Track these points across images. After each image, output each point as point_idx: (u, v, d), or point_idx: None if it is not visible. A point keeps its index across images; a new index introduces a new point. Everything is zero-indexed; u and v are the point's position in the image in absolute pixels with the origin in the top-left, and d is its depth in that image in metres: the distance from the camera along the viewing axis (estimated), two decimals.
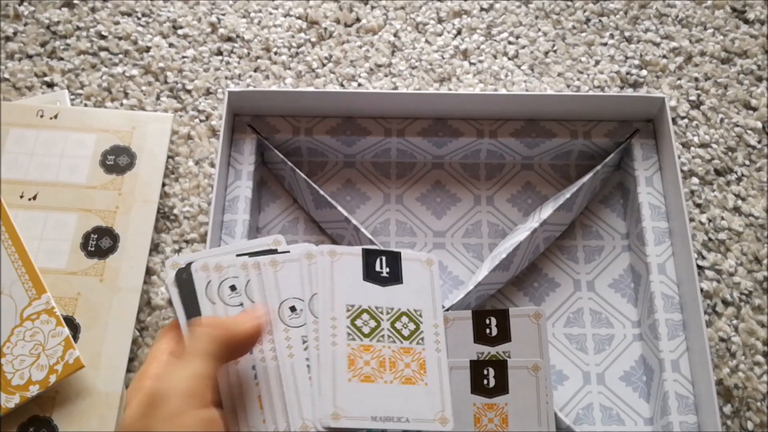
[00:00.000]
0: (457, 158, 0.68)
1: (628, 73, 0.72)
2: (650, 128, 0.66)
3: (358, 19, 0.75)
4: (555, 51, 0.74)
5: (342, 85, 0.72)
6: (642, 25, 0.75)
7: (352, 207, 0.66)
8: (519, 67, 0.73)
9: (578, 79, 0.72)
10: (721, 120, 0.70)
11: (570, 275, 0.64)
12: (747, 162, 0.68)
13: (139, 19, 0.75)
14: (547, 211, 0.62)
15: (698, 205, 0.66)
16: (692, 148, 0.68)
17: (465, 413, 0.51)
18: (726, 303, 0.62)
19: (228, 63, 0.72)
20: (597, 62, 0.73)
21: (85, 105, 0.70)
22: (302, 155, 0.68)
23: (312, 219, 0.66)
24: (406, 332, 0.43)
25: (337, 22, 0.75)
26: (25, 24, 0.74)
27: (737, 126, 0.69)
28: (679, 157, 0.68)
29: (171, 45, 0.73)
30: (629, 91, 0.71)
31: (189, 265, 0.44)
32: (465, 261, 0.64)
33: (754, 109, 0.70)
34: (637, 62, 0.73)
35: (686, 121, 0.70)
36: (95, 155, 0.66)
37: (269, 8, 0.76)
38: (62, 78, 0.71)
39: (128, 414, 0.37)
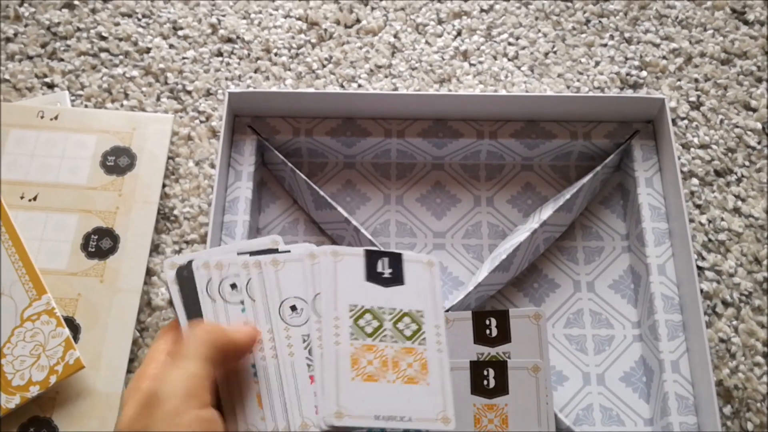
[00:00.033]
0: (457, 159, 0.68)
1: (628, 74, 0.72)
2: (650, 129, 0.66)
3: (358, 20, 0.75)
4: (555, 52, 0.74)
5: (342, 86, 0.72)
6: (642, 26, 0.75)
7: (352, 208, 0.66)
8: (519, 68, 0.73)
9: (578, 80, 0.72)
10: (721, 121, 0.70)
11: (570, 276, 0.64)
12: (747, 163, 0.68)
13: (139, 20, 0.75)
14: (547, 212, 0.62)
15: (698, 206, 0.66)
16: (692, 149, 0.68)
17: (465, 414, 0.52)
18: (726, 304, 0.62)
19: (228, 64, 0.72)
20: (597, 63, 0.73)
21: (86, 106, 0.70)
22: (302, 156, 0.68)
23: (312, 220, 0.66)
24: (408, 332, 0.43)
25: (338, 23, 0.75)
26: (26, 25, 0.74)
27: (737, 127, 0.69)
28: (679, 158, 0.68)
29: (171, 46, 0.73)
30: (629, 92, 0.71)
31: (190, 262, 0.44)
32: (465, 262, 0.64)
33: (754, 110, 0.70)
34: (637, 63, 0.73)
35: (686, 122, 0.70)
36: (95, 156, 0.66)
37: (269, 9, 0.76)
38: (63, 79, 0.71)
39: (126, 414, 0.37)
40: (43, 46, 0.73)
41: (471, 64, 0.73)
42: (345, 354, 0.42)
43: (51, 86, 0.71)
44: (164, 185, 0.66)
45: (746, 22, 0.75)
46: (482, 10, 0.76)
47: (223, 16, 0.75)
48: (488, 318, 0.55)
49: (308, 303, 0.43)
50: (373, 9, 0.76)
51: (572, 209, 0.64)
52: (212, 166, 0.67)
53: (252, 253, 0.44)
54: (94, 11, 0.75)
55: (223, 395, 0.41)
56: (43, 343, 0.56)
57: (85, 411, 0.57)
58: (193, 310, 0.42)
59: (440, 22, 0.76)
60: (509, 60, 0.73)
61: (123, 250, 0.62)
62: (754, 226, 0.65)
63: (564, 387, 0.60)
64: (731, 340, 0.61)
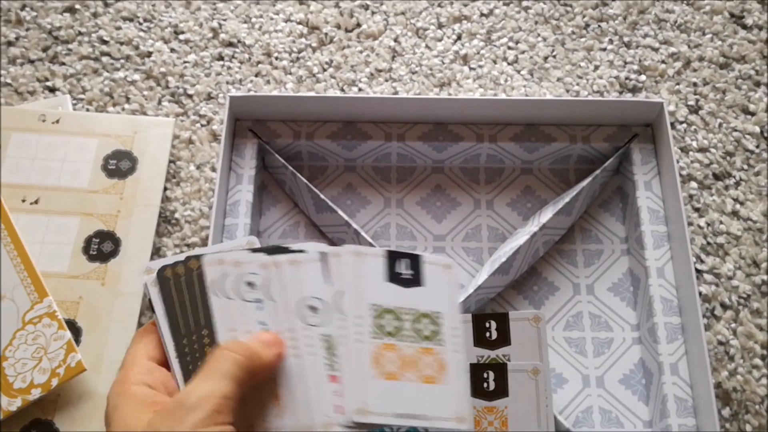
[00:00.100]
0: (457, 162, 0.68)
1: (627, 78, 0.72)
2: (649, 133, 0.67)
3: (358, 25, 0.76)
4: (554, 56, 0.74)
5: (342, 89, 0.72)
6: (641, 30, 0.75)
7: (353, 211, 0.67)
8: (518, 72, 0.73)
9: (577, 84, 0.72)
10: (720, 125, 0.70)
11: (569, 279, 0.64)
12: (745, 166, 0.68)
13: (140, 24, 0.75)
14: (546, 215, 0.62)
15: (697, 209, 0.66)
16: (691, 153, 0.69)
17: None
18: (724, 306, 0.62)
19: (229, 68, 0.73)
20: (596, 67, 0.73)
21: (87, 110, 0.70)
22: (303, 159, 0.68)
23: (313, 223, 0.66)
24: (426, 333, 0.44)
25: (338, 27, 0.76)
26: (27, 29, 0.74)
27: (735, 131, 0.70)
28: (678, 162, 0.68)
29: (172, 50, 0.74)
30: (628, 96, 0.72)
31: (176, 263, 0.44)
32: (465, 265, 0.65)
33: (753, 114, 0.71)
34: (636, 67, 0.73)
35: (685, 125, 0.70)
36: (97, 160, 0.66)
37: (270, 13, 0.76)
38: (64, 83, 0.72)
39: (138, 419, 0.37)
40: (45, 49, 0.73)
41: (471, 68, 0.73)
42: (367, 352, 0.42)
43: (52, 90, 0.71)
44: (165, 188, 0.67)
45: (745, 27, 0.76)
46: (482, 15, 0.76)
47: (224, 20, 0.75)
48: (488, 321, 0.55)
49: (327, 302, 0.43)
50: (373, 13, 0.76)
51: (572, 212, 0.64)
52: (213, 169, 0.68)
53: (269, 252, 0.44)
54: (95, 15, 0.75)
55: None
56: (44, 345, 0.57)
57: (87, 414, 0.57)
58: (173, 314, 0.42)
59: (440, 26, 0.76)
60: (509, 64, 0.74)
61: (124, 253, 0.63)
62: (752, 230, 0.65)
63: (563, 389, 0.60)
64: (730, 342, 0.61)
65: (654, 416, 0.58)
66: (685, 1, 0.77)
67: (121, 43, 0.74)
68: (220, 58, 0.73)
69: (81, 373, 0.56)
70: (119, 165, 0.66)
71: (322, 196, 0.62)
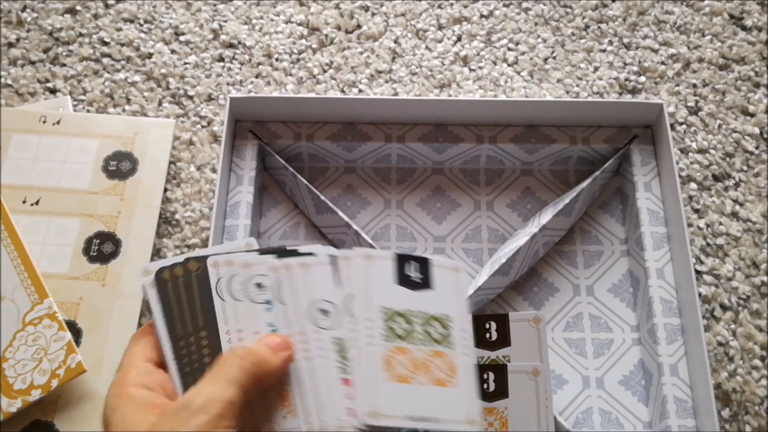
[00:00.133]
0: (457, 164, 0.69)
1: (626, 80, 0.72)
2: (649, 134, 0.67)
3: (358, 26, 0.76)
4: (554, 57, 0.74)
5: (343, 91, 0.72)
6: (640, 31, 0.75)
7: (353, 212, 0.67)
8: (518, 73, 0.73)
9: (577, 86, 0.72)
10: (719, 126, 0.70)
11: (569, 280, 0.64)
12: (745, 167, 0.68)
13: (141, 25, 0.75)
14: (546, 216, 0.62)
15: (696, 211, 0.66)
16: (690, 154, 0.69)
17: None
18: (724, 307, 0.62)
19: (229, 69, 0.73)
20: (596, 68, 0.73)
21: (88, 111, 0.70)
22: (303, 161, 0.68)
23: (313, 224, 0.66)
24: (436, 336, 0.44)
25: (338, 28, 0.76)
26: (28, 30, 0.74)
27: (735, 132, 0.70)
28: (678, 163, 0.68)
29: (173, 51, 0.74)
30: (628, 98, 0.72)
31: (174, 265, 0.43)
32: (465, 266, 0.65)
33: (752, 115, 0.71)
34: (635, 68, 0.73)
35: (684, 127, 0.70)
36: (97, 161, 0.66)
37: (270, 15, 0.76)
38: (65, 84, 0.72)
39: (142, 420, 0.37)
40: (46, 51, 0.73)
41: (471, 70, 0.73)
42: (378, 355, 0.42)
43: (53, 91, 0.71)
44: (166, 190, 0.67)
45: (744, 28, 0.76)
46: (482, 16, 0.77)
47: (225, 21, 0.75)
48: (488, 322, 0.55)
49: (338, 305, 0.43)
50: (373, 15, 0.77)
51: (571, 213, 0.64)
52: (214, 170, 0.68)
53: (280, 255, 0.44)
54: (96, 17, 0.75)
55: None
56: (44, 346, 0.57)
57: (87, 415, 0.57)
58: (170, 316, 0.42)
59: (440, 27, 0.76)
60: (509, 65, 0.74)
61: (125, 254, 0.63)
62: (752, 231, 0.66)
63: (563, 390, 0.60)
64: (729, 343, 0.61)
65: (654, 417, 0.58)
66: (684, 3, 0.77)
67: (122, 45, 0.74)
68: (221, 59, 0.73)
69: (81, 375, 0.56)
70: (120, 166, 0.66)
71: (322, 198, 0.62)
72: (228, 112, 0.64)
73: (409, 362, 0.43)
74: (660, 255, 0.62)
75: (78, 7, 0.76)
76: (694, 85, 0.72)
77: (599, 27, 0.76)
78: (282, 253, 0.44)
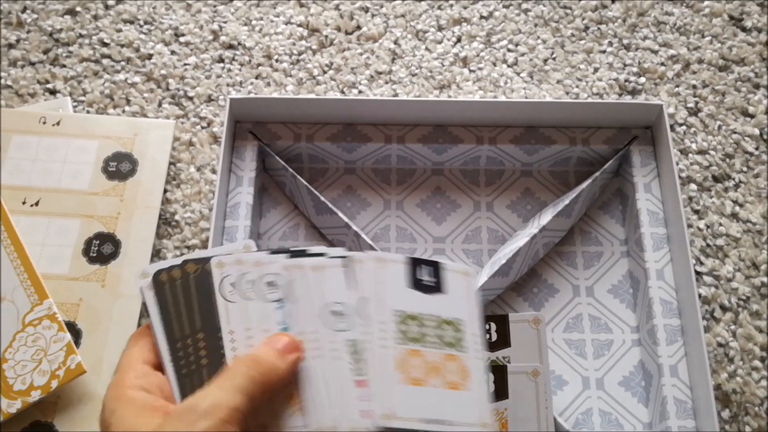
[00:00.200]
0: (457, 165, 0.69)
1: (626, 81, 0.73)
2: (648, 135, 0.67)
3: (358, 27, 0.76)
4: (554, 58, 0.74)
5: (343, 92, 0.72)
6: (640, 32, 0.75)
7: (353, 213, 0.67)
8: (518, 74, 0.73)
9: (577, 87, 0.73)
10: (719, 127, 0.70)
11: (569, 281, 0.64)
12: (745, 168, 0.68)
13: (141, 26, 0.75)
14: (546, 217, 0.62)
15: (696, 212, 0.66)
16: (690, 155, 0.69)
17: None
18: (724, 308, 0.62)
19: (229, 70, 0.73)
20: (596, 69, 0.73)
21: (88, 112, 0.70)
22: (303, 162, 0.68)
23: (313, 225, 0.66)
24: (449, 339, 0.44)
25: (338, 29, 0.76)
26: (28, 31, 0.74)
27: (735, 133, 0.70)
28: (677, 164, 0.68)
29: (173, 52, 0.74)
30: (628, 99, 0.72)
31: (171, 267, 0.43)
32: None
33: (752, 116, 0.71)
34: (635, 69, 0.73)
35: (684, 128, 0.70)
36: (97, 162, 0.66)
37: (270, 16, 0.76)
38: (65, 85, 0.72)
39: (145, 422, 0.37)
40: (46, 52, 0.74)
41: (471, 71, 0.73)
42: (392, 358, 0.42)
43: (53, 92, 0.71)
44: (166, 190, 0.67)
45: (744, 29, 0.76)
46: (482, 17, 0.77)
47: (225, 22, 0.75)
48: (488, 323, 0.55)
49: (351, 308, 0.43)
50: (373, 16, 0.77)
51: (571, 214, 0.64)
52: (213, 171, 0.68)
53: (292, 255, 0.44)
54: (96, 18, 0.75)
55: None
56: (44, 347, 0.57)
57: (87, 416, 0.57)
58: (168, 318, 0.42)
59: (440, 28, 0.76)
60: (509, 66, 0.74)
61: (124, 255, 0.63)
62: (752, 231, 0.66)
63: (563, 391, 0.60)
64: (729, 344, 0.61)
65: (654, 418, 0.58)
66: (684, 4, 0.77)
67: (122, 46, 0.74)
68: (221, 60, 0.73)
69: (81, 375, 0.56)
70: (119, 167, 0.66)
71: (322, 198, 0.62)
72: (228, 113, 0.64)
73: (422, 365, 0.43)
74: (660, 256, 0.62)
75: (78, 8, 0.76)
76: (694, 86, 0.72)
77: (599, 28, 0.76)
78: (294, 253, 0.44)
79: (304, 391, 0.41)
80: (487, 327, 0.55)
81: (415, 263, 0.45)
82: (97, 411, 0.56)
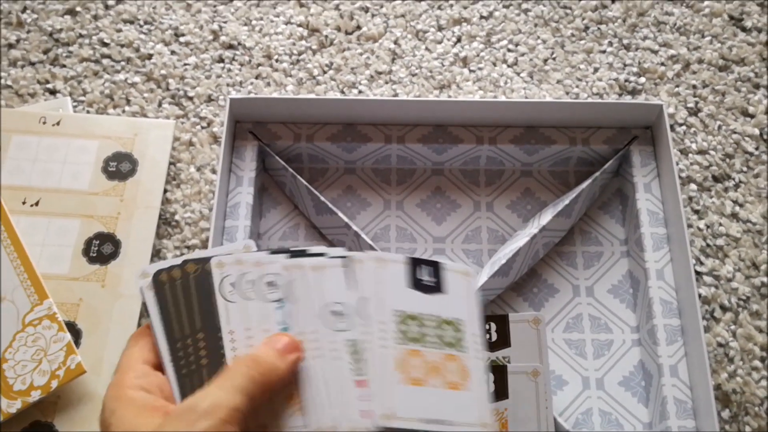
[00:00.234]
0: (457, 165, 0.69)
1: (626, 81, 0.73)
2: (648, 135, 0.67)
3: (358, 27, 0.76)
4: (554, 58, 0.74)
5: (343, 92, 0.72)
6: (640, 32, 0.75)
7: (353, 213, 0.67)
8: (518, 74, 0.73)
9: (577, 87, 0.73)
10: (719, 127, 0.70)
11: (569, 281, 0.64)
12: (745, 169, 0.68)
13: (141, 26, 0.75)
14: (546, 217, 0.62)
15: (696, 212, 0.66)
16: (690, 155, 0.69)
17: None
18: (724, 308, 0.62)
19: (229, 70, 0.73)
20: (596, 69, 0.74)
21: (88, 112, 0.71)
22: (303, 162, 0.68)
23: (313, 225, 0.66)
24: (449, 339, 0.44)
25: (338, 29, 0.76)
26: (28, 31, 0.74)
27: (735, 133, 0.70)
28: (677, 164, 0.68)
29: (173, 52, 0.74)
30: (628, 99, 0.72)
31: (171, 267, 0.43)
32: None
33: (752, 116, 0.71)
34: (635, 69, 0.73)
35: (684, 128, 0.70)
36: (97, 162, 0.66)
37: (270, 16, 0.76)
38: (65, 85, 0.72)
39: (146, 422, 0.37)
40: (46, 52, 0.74)
41: (471, 71, 0.73)
42: (392, 358, 0.42)
43: (53, 92, 0.71)
44: (166, 190, 0.67)
45: (744, 29, 0.76)
46: (482, 17, 0.77)
47: (225, 22, 0.75)
48: (488, 322, 0.55)
49: (351, 308, 0.43)
50: (373, 16, 0.77)
51: (571, 214, 0.64)
52: (213, 171, 0.68)
53: (292, 254, 0.44)
54: (96, 18, 0.75)
55: None
56: (44, 347, 0.57)
57: (87, 416, 0.57)
58: (167, 318, 0.42)
59: (440, 28, 0.76)
60: (508, 66, 0.74)
61: (124, 255, 0.63)
62: (751, 231, 0.66)
63: (563, 391, 0.60)
64: (729, 344, 0.61)
65: (654, 418, 0.58)
66: (684, 4, 0.77)
67: (122, 46, 0.74)
68: (221, 60, 0.73)
69: (81, 375, 0.56)
70: (119, 167, 0.66)
71: (322, 198, 0.62)
72: (228, 113, 0.64)
73: (422, 365, 0.43)
74: (660, 256, 0.62)
75: (78, 9, 0.76)
76: (694, 86, 0.72)
77: (599, 28, 0.76)
78: (294, 253, 0.44)
79: (304, 391, 0.41)
80: (487, 327, 0.55)
81: (415, 263, 0.45)
82: (97, 411, 0.56)
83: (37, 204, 0.64)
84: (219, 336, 0.42)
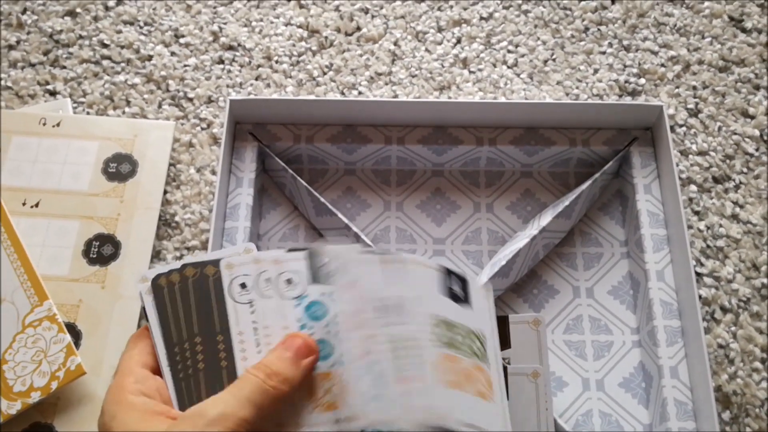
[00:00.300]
0: (457, 166, 0.69)
1: (626, 82, 0.72)
2: (649, 136, 0.67)
3: (358, 28, 0.76)
4: (554, 59, 0.74)
5: (342, 93, 0.72)
6: (640, 33, 0.75)
7: (353, 214, 0.67)
8: (518, 75, 0.73)
9: (577, 88, 0.72)
10: (719, 128, 0.70)
11: (569, 282, 0.64)
12: (745, 170, 0.68)
13: (141, 28, 0.75)
14: (546, 218, 0.62)
15: (696, 213, 0.66)
16: (690, 156, 0.69)
17: None
18: (724, 310, 0.62)
19: (229, 71, 0.73)
20: (596, 71, 0.73)
21: (88, 113, 0.71)
22: (303, 163, 0.68)
23: (313, 226, 0.66)
24: (476, 350, 0.44)
25: (338, 30, 0.76)
26: (28, 33, 0.74)
27: (735, 134, 0.70)
28: (678, 165, 0.68)
29: (173, 53, 0.74)
30: (628, 100, 0.72)
31: (170, 272, 0.43)
32: (465, 268, 0.65)
33: (752, 118, 0.71)
34: (635, 71, 0.73)
35: (684, 129, 0.70)
36: (97, 163, 0.66)
37: (270, 17, 0.76)
38: (65, 86, 0.72)
39: (170, 424, 0.37)
40: (46, 53, 0.74)
41: (470, 72, 0.73)
42: (433, 359, 0.42)
43: (53, 93, 0.71)
44: (165, 192, 0.67)
45: (744, 30, 0.76)
46: (482, 18, 0.77)
47: (225, 23, 0.76)
48: None
49: (392, 304, 0.43)
50: (373, 17, 0.77)
51: (571, 216, 0.64)
52: (213, 172, 0.68)
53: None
54: (96, 19, 0.75)
55: None
56: (44, 349, 0.57)
57: (87, 417, 0.57)
58: (166, 322, 0.42)
59: (440, 29, 0.76)
60: (508, 67, 0.74)
61: (124, 256, 0.63)
62: (752, 233, 0.65)
63: (563, 393, 0.60)
64: (730, 345, 0.61)
65: (654, 419, 0.58)
66: (684, 5, 0.77)
67: (122, 47, 0.74)
68: (221, 61, 0.73)
69: (81, 377, 0.56)
70: (119, 168, 0.66)
71: (322, 200, 0.62)
72: (228, 114, 0.64)
73: (458, 370, 0.43)
74: (660, 257, 0.61)
75: (78, 10, 0.76)
76: (694, 87, 0.72)
77: (599, 29, 0.76)
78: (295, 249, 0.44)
79: (346, 386, 0.41)
80: None
81: (448, 273, 0.45)
82: (97, 412, 0.56)
83: (37, 205, 0.64)
84: (217, 340, 0.42)
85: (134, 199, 0.65)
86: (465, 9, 0.77)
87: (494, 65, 0.74)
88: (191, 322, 0.42)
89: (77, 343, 0.59)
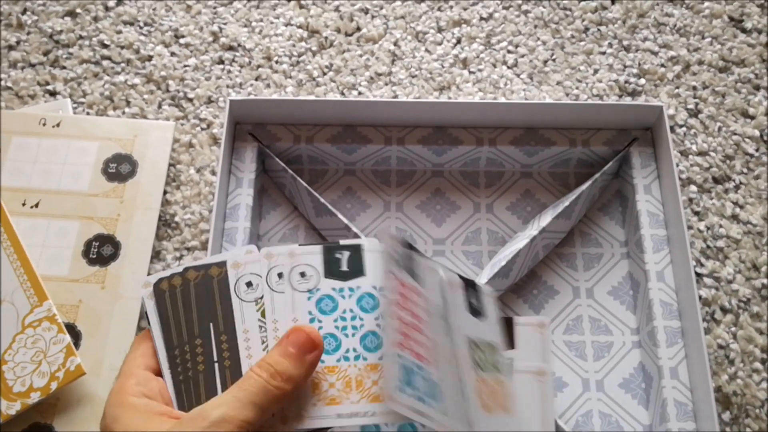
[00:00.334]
0: (457, 166, 0.69)
1: (626, 82, 0.72)
2: (649, 136, 0.67)
3: (358, 29, 0.76)
4: (554, 60, 0.74)
5: (342, 93, 0.72)
6: (640, 34, 0.75)
7: (353, 214, 0.67)
8: (518, 75, 0.73)
9: (577, 88, 0.72)
10: (719, 128, 0.70)
11: (569, 282, 0.64)
12: (745, 170, 0.68)
13: (141, 28, 0.75)
14: (546, 218, 0.62)
15: (696, 213, 0.66)
16: (690, 156, 0.69)
17: None
18: (724, 310, 0.62)
19: (229, 72, 0.73)
20: (596, 71, 0.73)
21: (88, 113, 0.71)
22: (303, 163, 0.68)
23: (312, 226, 0.66)
24: (495, 363, 0.44)
25: (338, 31, 0.76)
26: (28, 33, 0.74)
27: (735, 134, 0.70)
28: (678, 165, 0.68)
29: (173, 54, 0.74)
30: (628, 100, 0.72)
31: (173, 275, 0.44)
32: (465, 268, 0.65)
33: (752, 118, 0.71)
34: (635, 71, 0.73)
35: (684, 129, 0.70)
36: (97, 163, 0.66)
37: (270, 17, 0.76)
38: (65, 86, 0.72)
39: (173, 424, 0.38)
40: (46, 53, 0.74)
41: (470, 72, 0.73)
42: (472, 385, 0.42)
43: (53, 94, 0.71)
44: (165, 192, 0.67)
45: (744, 30, 0.76)
46: (482, 18, 0.77)
47: (225, 24, 0.76)
48: None
49: (441, 317, 0.43)
50: (373, 17, 0.77)
51: (571, 216, 0.64)
52: (213, 173, 0.68)
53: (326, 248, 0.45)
54: (96, 19, 0.75)
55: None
56: (44, 349, 0.57)
57: (86, 417, 0.57)
58: (167, 325, 0.42)
59: (440, 30, 0.76)
60: (508, 68, 0.74)
61: (124, 256, 0.63)
62: (752, 233, 0.65)
63: (563, 393, 0.60)
64: (730, 346, 0.61)
65: (654, 420, 0.58)
66: (684, 5, 0.77)
67: (122, 47, 0.74)
68: (221, 61, 0.73)
69: (80, 377, 0.56)
70: (119, 168, 0.66)
71: (321, 200, 0.62)
72: (228, 114, 0.64)
73: (488, 392, 0.43)
74: (660, 257, 0.61)
75: (78, 10, 0.76)
76: (694, 88, 0.72)
77: (599, 29, 0.76)
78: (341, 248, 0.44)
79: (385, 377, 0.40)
80: None
81: (468, 286, 0.45)
82: (97, 412, 0.57)
83: (36, 205, 0.64)
84: (220, 340, 0.42)
85: (134, 199, 0.65)
86: (465, 9, 0.77)
87: (494, 65, 0.74)
88: (192, 324, 0.42)
89: (77, 344, 0.59)
